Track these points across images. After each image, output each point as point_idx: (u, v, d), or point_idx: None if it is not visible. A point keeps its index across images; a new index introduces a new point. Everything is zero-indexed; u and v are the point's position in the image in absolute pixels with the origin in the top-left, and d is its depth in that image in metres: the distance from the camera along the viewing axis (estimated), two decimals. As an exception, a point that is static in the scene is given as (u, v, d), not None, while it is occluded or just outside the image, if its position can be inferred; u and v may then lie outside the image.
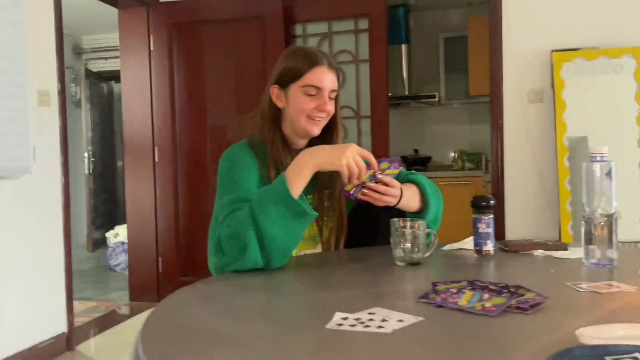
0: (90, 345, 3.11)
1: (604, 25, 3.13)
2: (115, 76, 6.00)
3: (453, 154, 5.40)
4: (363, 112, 3.63)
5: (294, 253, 1.37)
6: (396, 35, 5.21)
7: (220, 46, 3.64)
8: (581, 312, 0.82)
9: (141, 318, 3.59)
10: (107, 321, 3.58)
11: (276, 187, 1.17)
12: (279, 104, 1.41)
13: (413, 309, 0.82)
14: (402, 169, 1.32)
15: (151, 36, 3.72)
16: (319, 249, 1.43)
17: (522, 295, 0.83)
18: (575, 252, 1.20)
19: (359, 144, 1.42)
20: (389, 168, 1.27)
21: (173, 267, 3.77)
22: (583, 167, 1.12)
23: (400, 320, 0.77)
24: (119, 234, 5.05)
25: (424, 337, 0.72)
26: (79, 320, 3.40)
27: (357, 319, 0.78)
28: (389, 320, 0.77)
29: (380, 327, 0.75)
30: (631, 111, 3.06)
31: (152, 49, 3.73)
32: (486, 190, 4.56)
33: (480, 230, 1.20)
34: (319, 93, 1.36)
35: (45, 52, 2.78)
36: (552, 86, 3.18)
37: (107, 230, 5.43)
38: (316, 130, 1.38)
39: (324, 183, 1.38)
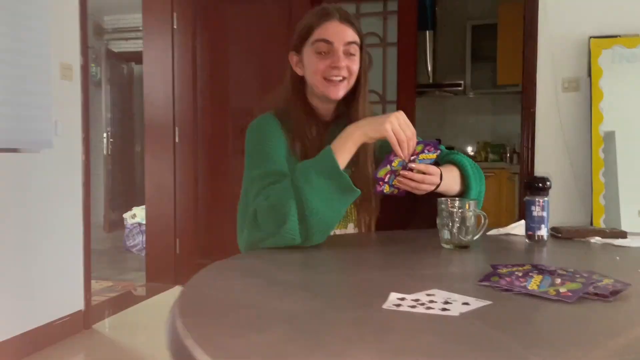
0: (106, 325, 3.07)
1: (648, 11, 2.99)
2: (135, 57, 5.95)
3: (476, 145, 5.28)
4: (389, 98, 3.53)
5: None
6: (422, 21, 5.08)
7: (245, 26, 3.56)
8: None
9: (157, 299, 3.55)
10: (124, 301, 3.54)
11: (322, 158, 1.09)
12: (299, 71, 1.31)
13: (475, 293, 0.74)
14: (439, 152, 1.19)
15: (174, 14, 3.64)
16: (350, 229, 1.35)
17: (599, 281, 0.74)
18: (637, 240, 1.10)
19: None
20: (423, 152, 1.15)
21: (190, 248, 3.72)
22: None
23: (466, 304, 0.68)
24: (136, 215, 5.02)
25: (498, 322, 0.63)
26: (95, 299, 3.37)
27: (415, 300, 0.70)
28: (453, 302, 0.69)
29: (444, 309, 0.66)
30: (672, 103, 2.92)
31: (175, 27, 3.66)
32: (511, 182, 4.44)
33: (535, 213, 1.11)
34: (330, 49, 1.24)
35: (68, 25, 2.72)
36: (589, 74, 3.05)
37: (124, 212, 5.41)
38: (335, 93, 1.25)
39: (358, 159, 1.29)
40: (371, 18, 3.56)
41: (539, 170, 3.21)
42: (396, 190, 1.18)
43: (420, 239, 1.17)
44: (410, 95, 3.49)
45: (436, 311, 0.66)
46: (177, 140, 3.71)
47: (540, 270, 0.80)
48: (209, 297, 0.72)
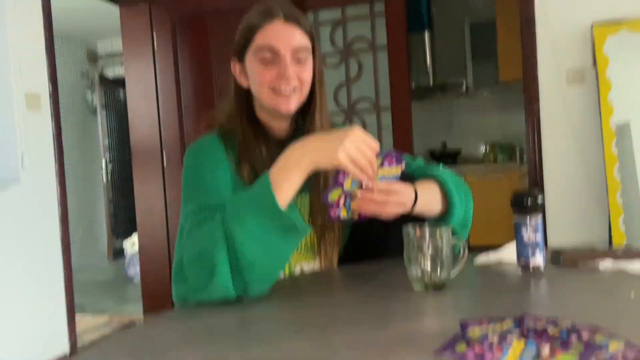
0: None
1: (654, -10, 2.75)
2: (129, 80, 5.84)
3: (484, 146, 5.04)
4: (383, 104, 3.33)
5: (288, 267, 1.09)
6: (418, 22, 4.89)
7: (227, 38, 3.37)
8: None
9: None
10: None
11: (258, 193, 0.89)
12: (243, 82, 1.11)
13: (431, 372, 0.53)
14: (403, 164, 0.98)
15: (154, 33, 3.50)
16: (318, 262, 1.14)
17: (603, 346, 0.53)
18: (657, 264, 0.89)
19: (379, 140, 1.12)
20: (382, 165, 0.94)
21: (186, 277, 3.53)
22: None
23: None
24: (135, 243, 4.87)
25: None
26: (88, 338, 3.20)
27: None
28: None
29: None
30: (688, 88, 2.68)
31: (155, 47, 3.51)
32: (523, 184, 4.20)
33: (526, 238, 0.90)
34: (276, 57, 1.05)
35: (34, 53, 2.57)
36: (594, 64, 2.82)
37: (127, 239, 5.26)
38: (286, 106, 1.06)
39: (319, 179, 1.09)
40: (358, 21, 3.36)
41: (548, 171, 2.97)
42: (356, 215, 0.97)
43: (391, 275, 0.97)
44: (404, 99, 3.28)
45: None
46: (165, 163, 3.55)
47: (524, 328, 0.60)
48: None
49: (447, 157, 4.91)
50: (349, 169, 0.89)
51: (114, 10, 3.62)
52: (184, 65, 3.50)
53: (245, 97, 1.12)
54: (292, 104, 1.06)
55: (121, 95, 6.54)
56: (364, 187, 0.93)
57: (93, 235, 5.98)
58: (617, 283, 0.84)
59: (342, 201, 0.94)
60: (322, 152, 0.89)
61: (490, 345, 0.56)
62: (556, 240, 2.88)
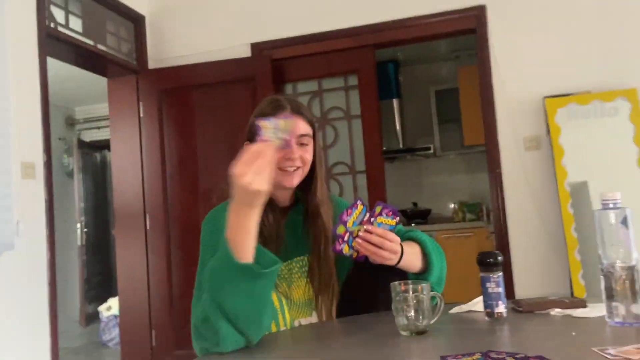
0: None
1: (596, 69, 3.12)
2: (108, 145, 5.97)
3: (453, 205, 5.31)
4: (358, 168, 3.56)
5: (287, 323, 1.24)
6: (387, 90, 5.25)
7: (211, 109, 3.61)
8: (619, 388, 0.69)
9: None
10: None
11: (220, 255, 1.04)
12: None
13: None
14: (398, 219, 1.19)
15: (141, 103, 3.70)
16: (314, 317, 1.30)
17: (547, 369, 0.71)
18: (596, 309, 1.08)
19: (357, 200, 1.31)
20: (381, 214, 1.16)
21: (167, 340, 3.57)
22: (595, 215, 1.02)
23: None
24: (111, 307, 4.86)
25: None
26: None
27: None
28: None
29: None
30: (631, 153, 2.99)
31: (141, 115, 3.70)
32: (490, 241, 4.43)
33: (490, 290, 1.09)
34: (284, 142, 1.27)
35: (30, 124, 2.73)
36: (548, 132, 3.13)
37: (101, 304, 5.23)
38: (290, 181, 1.27)
39: (320, 243, 1.27)
40: (334, 92, 3.65)
41: (513, 230, 3.21)
42: (355, 254, 1.16)
43: (380, 324, 1.13)
44: (377, 162, 3.52)
45: None
46: (148, 227, 3.65)
47: (489, 359, 0.77)
48: None
49: (418, 216, 5.15)
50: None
51: (94, 78, 3.80)
52: (169, 133, 3.69)
53: None
54: (295, 179, 1.27)
55: (97, 159, 6.65)
56: (364, 228, 1.12)
57: (64, 300, 5.90)
58: (563, 325, 1.03)
59: (346, 237, 1.13)
60: (244, 198, 1.02)
61: (464, 371, 0.73)
62: (523, 293, 3.08)
